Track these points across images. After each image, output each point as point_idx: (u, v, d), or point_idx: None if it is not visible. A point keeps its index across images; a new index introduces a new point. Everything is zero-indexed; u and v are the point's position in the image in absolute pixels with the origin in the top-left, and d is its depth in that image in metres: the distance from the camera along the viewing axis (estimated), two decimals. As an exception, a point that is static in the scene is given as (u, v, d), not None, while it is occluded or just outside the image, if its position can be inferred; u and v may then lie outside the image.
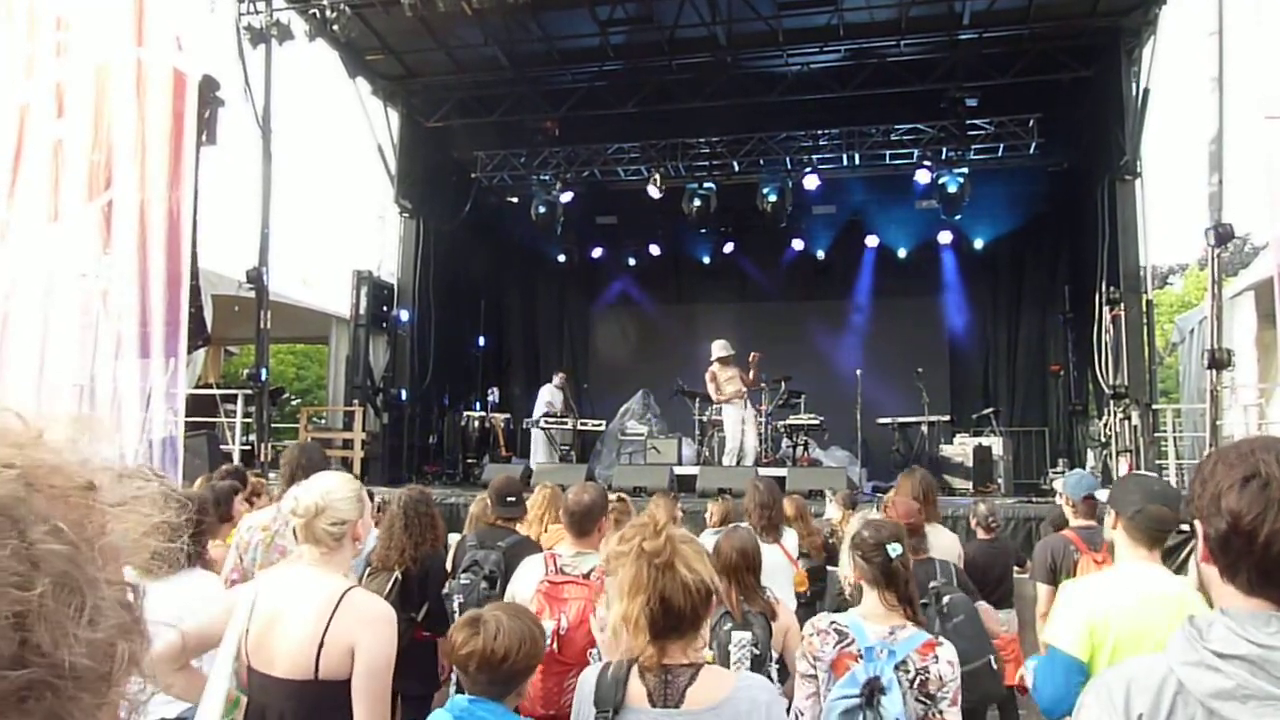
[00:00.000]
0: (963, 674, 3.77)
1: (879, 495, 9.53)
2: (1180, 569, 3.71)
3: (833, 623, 3.12)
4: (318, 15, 11.77)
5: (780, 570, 5.29)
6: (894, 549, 3.12)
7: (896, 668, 2.94)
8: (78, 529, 0.68)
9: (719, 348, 12.93)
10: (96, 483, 0.73)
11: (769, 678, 3.63)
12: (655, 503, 6.94)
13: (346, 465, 12.93)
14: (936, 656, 2.99)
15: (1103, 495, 3.55)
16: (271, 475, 8.98)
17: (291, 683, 2.66)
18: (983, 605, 4.57)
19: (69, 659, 0.64)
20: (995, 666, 3.95)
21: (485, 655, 2.53)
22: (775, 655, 3.87)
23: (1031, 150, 14.24)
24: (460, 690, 2.71)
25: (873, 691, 2.88)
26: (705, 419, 13.97)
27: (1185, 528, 3.15)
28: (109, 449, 0.79)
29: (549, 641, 3.62)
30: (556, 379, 15.45)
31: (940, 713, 2.94)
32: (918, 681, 2.94)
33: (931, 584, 4.20)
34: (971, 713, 3.85)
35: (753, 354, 12.98)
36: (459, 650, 2.57)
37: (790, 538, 5.89)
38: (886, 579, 3.10)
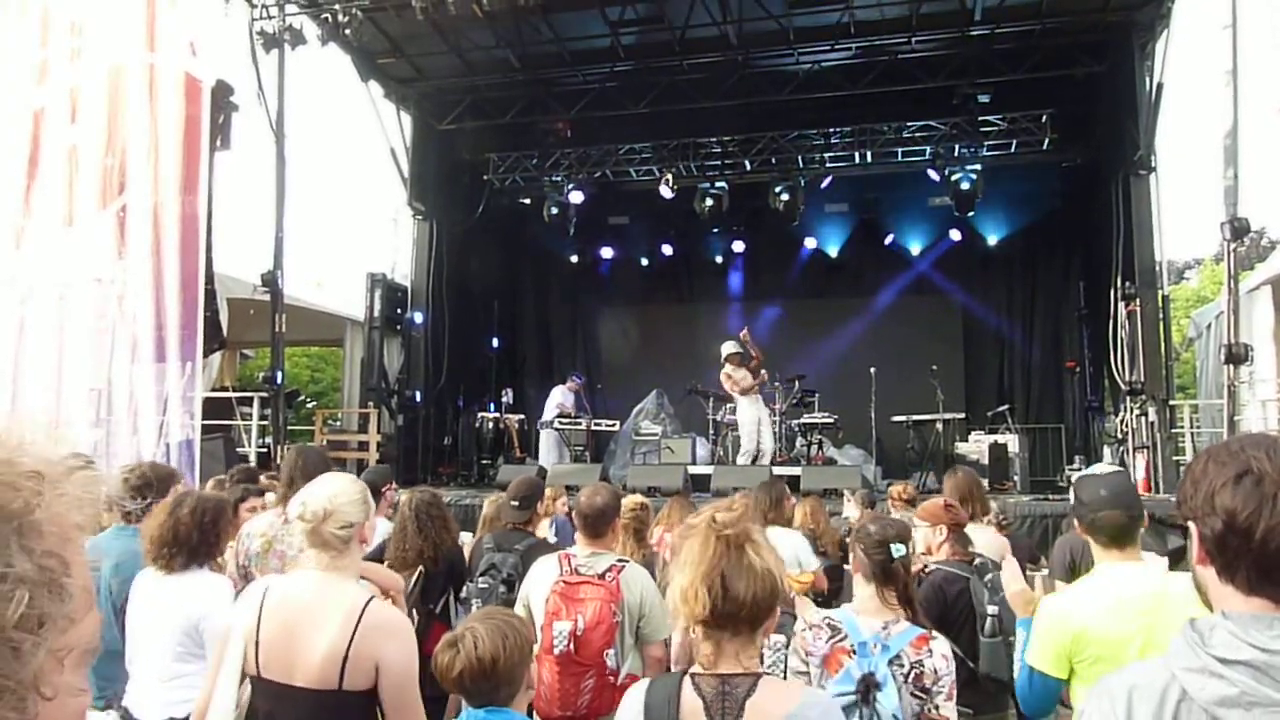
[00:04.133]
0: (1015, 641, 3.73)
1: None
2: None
3: (825, 618, 3.10)
4: (330, 19, 11.82)
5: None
6: (897, 549, 3.10)
7: (891, 662, 2.92)
8: None
9: (728, 347, 12.96)
10: (44, 472, 0.88)
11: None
12: (670, 506, 6.94)
13: (362, 467, 12.96)
14: (930, 650, 2.97)
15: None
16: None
17: (312, 692, 2.63)
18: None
19: None
20: None
21: (475, 668, 2.51)
22: None
23: (1045, 146, 14.17)
24: None
25: (868, 688, 2.86)
26: (719, 418, 13.95)
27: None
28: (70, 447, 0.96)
29: (566, 642, 3.62)
30: (570, 382, 15.44)
31: (936, 707, 2.92)
32: (912, 676, 2.93)
33: (977, 559, 4.19)
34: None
35: (742, 331, 13.02)
36: (449, 674, 2.54)
37: (789, 536, 5.81)
38: (885, 576, 3.09)
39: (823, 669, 2.99)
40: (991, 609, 3.91)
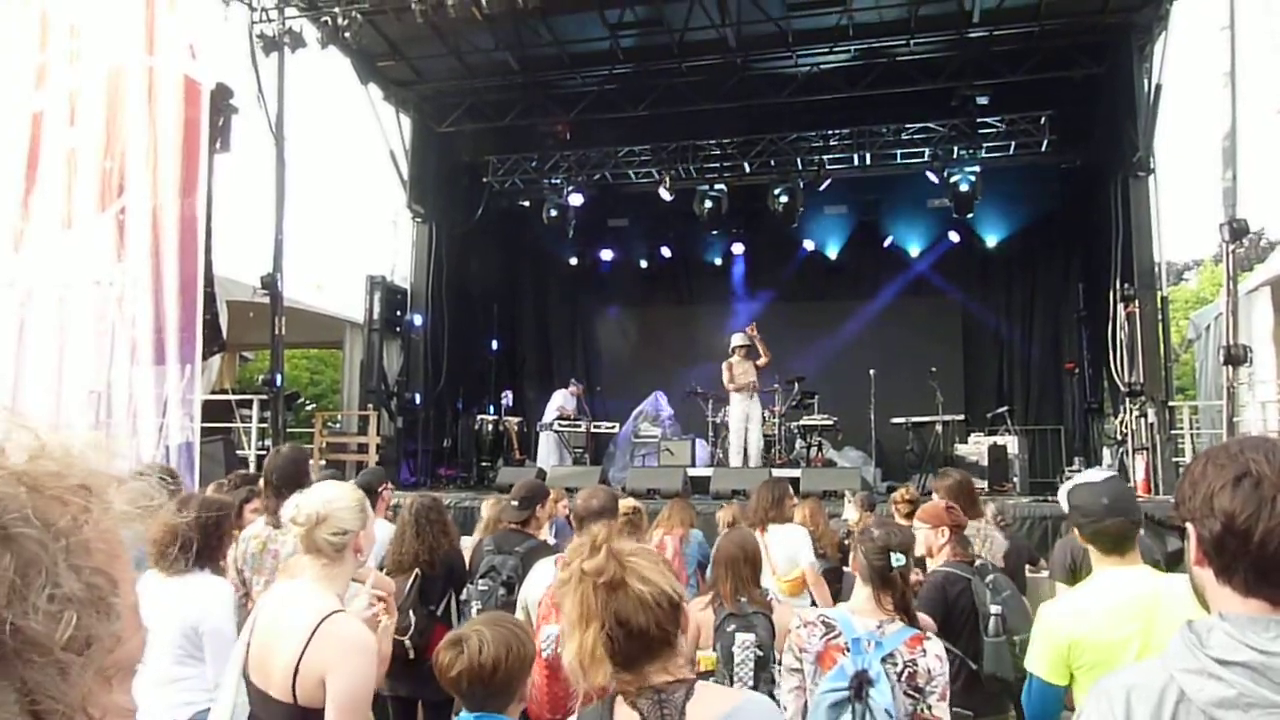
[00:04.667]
0: (1020, 641, 3.76)
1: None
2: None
3: (820, 615, 3.13)
4: (329, 22, 11.81)
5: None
6: (897, 558, 3.11)
7: (884, 660, 2.93)
8: (43, 517, 0.80)
9: (739, 339, 13.02)
10: (91, 486, 0.85)
11: (773, 679, 3.61)
12: (670, 509, 6.96)
13: (361, 470, 12.95)
14: (924, 650, 2.98)
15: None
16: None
17: (279, 703, 2.60)
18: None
19: (18, 622, 0.75)
20: None
21: (475, 671, 2.49)
22: (778, 656, 3.75)
23: (1043, 148, 14.19)
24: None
25: (861, 684, 2.87)
26: (718, 420, 13.95)
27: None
28: (120, 459, 0.93)
29: (555, 645, 3.62)
30: (572, 386, 15.48)
31: (929, 707, 2.93)
32: (906, 674, 2.94)
33: (977, 560, 4.19)
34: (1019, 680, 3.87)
35: (749, 327, 13.11)
36: (448, 673, 2.52)
37: (790, 533, 5.84)
38: (882, 582, 3.10)
39: (816, 666, 3.01)
40: (995, 608, 3.92)
